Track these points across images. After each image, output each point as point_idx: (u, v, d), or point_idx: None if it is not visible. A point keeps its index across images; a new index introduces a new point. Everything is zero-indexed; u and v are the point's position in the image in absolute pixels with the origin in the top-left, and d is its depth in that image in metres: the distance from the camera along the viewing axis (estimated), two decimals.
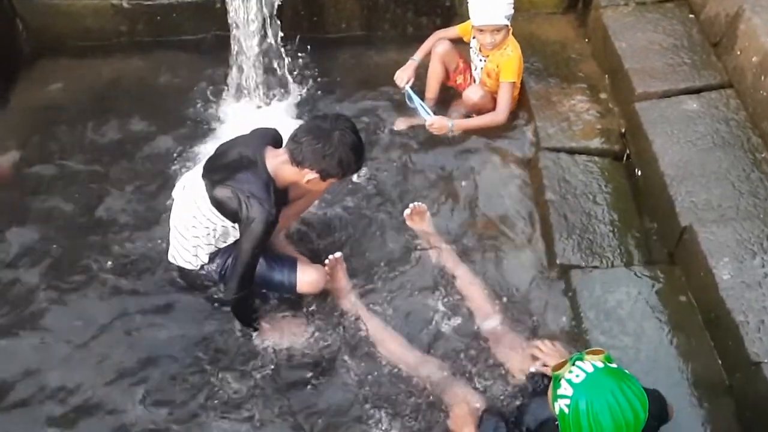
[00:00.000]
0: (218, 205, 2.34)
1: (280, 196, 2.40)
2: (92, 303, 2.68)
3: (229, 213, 2.34)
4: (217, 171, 2.38)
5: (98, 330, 2.60)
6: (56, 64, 3.68)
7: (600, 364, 1.75)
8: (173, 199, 2.57)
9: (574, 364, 1.77)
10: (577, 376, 1.74)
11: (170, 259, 2.62)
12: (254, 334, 2.57)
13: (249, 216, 2.28)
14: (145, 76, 3.64)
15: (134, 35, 3.75)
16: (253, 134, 2.52)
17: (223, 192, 2.32)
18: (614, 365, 1.78)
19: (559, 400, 1.76)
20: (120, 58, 3.71)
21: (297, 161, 2.32)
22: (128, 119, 3.42)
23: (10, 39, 3.63)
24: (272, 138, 2.47)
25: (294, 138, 2.33)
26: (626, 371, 1.78)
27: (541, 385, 2.23)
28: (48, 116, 3.41)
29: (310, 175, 2.34)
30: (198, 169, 2.45)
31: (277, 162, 2.35)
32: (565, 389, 1.75)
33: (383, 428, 2.35)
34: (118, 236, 2.90)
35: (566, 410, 1.73)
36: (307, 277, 2.58)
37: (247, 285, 2.43)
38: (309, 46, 3.67)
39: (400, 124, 3.40)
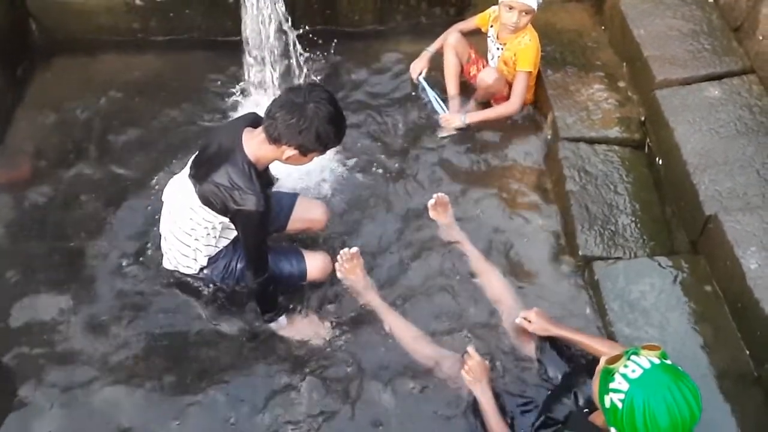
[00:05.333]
0: (207, 202, 2.31)
1: (266, 178, 2.36)
2: (107, 304, 2.70)
3: (220, 208, 2.30)
4: (201, 167, 2.35)
5: (116, 319, 2.64)
6: (70, 62, 3.65)
7: (657, 361, 1.72)
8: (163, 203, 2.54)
9: (629, 359, 1.74)
10: (633, 371, 1.71)
11: (166, 265, 2.60)
12: (274, 324, 2.57)
13: (237, 207, 2.25)
14: (159, 74, 3.62)
15: (148, 32, 3.73)
16: (230, 122, 2.49)
17: (207, 188, 2.28)
18: (669, 362, 1.74)
19: (611, 393, 1.73)
20: (134, 56, 3.68)
21: (273, 138, 2.23)
22: (141, 118, 3.39)
23: (23, 38, 3.63)
24: (251, 121, 2.38)
25: (268, 114, 2.23)
26: (680, 368, 1.74)
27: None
28: (63, 114, 3.39)
29: (289, 152, 2.25)
30: (186, 170, 2.42)
31: (255, 143, 2.28)
32: (619, 383, 1.72)
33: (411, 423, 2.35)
34: (132, 238, 2.88)
35: (619, 405, 1.71)
36: (315, 264, 2.58)
37: (264, 269, 2.43)
38: (322, 39, 3.64)
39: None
